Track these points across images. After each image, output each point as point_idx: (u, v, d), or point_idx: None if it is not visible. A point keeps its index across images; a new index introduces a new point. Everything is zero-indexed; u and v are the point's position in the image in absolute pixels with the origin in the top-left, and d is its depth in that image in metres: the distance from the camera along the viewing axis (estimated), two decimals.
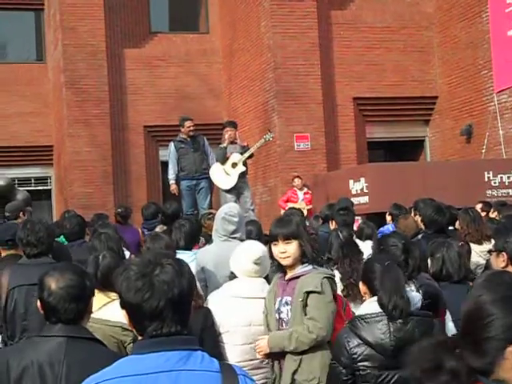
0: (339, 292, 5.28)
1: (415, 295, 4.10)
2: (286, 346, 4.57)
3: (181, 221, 7.02)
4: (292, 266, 4.71)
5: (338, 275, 6.08)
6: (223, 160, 12.77)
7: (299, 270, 4.67)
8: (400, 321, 3.91)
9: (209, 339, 4.69)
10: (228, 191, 12.78)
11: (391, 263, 4.03)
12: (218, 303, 4.92)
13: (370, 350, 3.93)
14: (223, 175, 12.74)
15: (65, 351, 3.33)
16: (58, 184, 19.56)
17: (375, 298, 4.01)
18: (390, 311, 3.90)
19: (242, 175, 12.78)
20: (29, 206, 10.35)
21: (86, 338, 3.44)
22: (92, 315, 4.34)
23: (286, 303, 4.64)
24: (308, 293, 4.55)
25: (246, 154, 12.76)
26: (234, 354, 4.83)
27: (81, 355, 3.33)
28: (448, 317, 4.87)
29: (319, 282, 4.54)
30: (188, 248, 6.63)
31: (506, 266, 4.15)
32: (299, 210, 12.77)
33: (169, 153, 13.24)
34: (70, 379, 3.27)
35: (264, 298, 4.89)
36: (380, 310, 3.92)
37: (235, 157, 12.69)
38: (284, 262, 4.73)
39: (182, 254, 6.41)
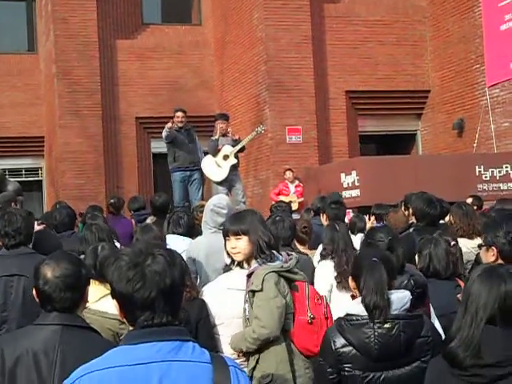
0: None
1: (404, 295, 4.03)
2: (241, 347, 4.58)
3: (179, 212, 7.09)
4: (248, 262, 4.73)
5: (331, 263, 6.14)
6: (215, 152, 12.77)
7: (252, 267, 4.68)
8: (386, 326, 3.88)
9: (203, 331, 4.68)
10: (219, 183, 12.78)
11: (376, 262, 4.01)
12: (214, 295, 4.91)
13: (355, 351, 3.91)
14: (215, 167, 12.75)
15: (60, 339, 3.34)
16: (49, 175, 19.51)
17: (360, 298, 4.01)
18: (371, 311, 3.89)
19: (234, 168, 12.78)
20: (20, 196, 10.33)
21: (81, 327, 3.44)
22: (90, 306, 4.36)
23: (247, 301, 4.65)
24: (252, 292, 4.55)
25: (238, 147, 12.77)
26: (227, 345, 4.83)
27: (75, 343, 3.34)
28: (432, 313, 4.86)
29: (260, 280, 4.51)
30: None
31: (496, 260, 4.15)
32: (289, 203, 12.81)
33: (166, 134, 12.91)
34: (64, 367, 3.26)
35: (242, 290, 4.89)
36: (366, 313, 3.92)
37: (227, 149, 12.68)
38: (236, 258, 4.77)
39: (179, 239, 6.52)
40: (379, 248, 4.83)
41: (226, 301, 4.83)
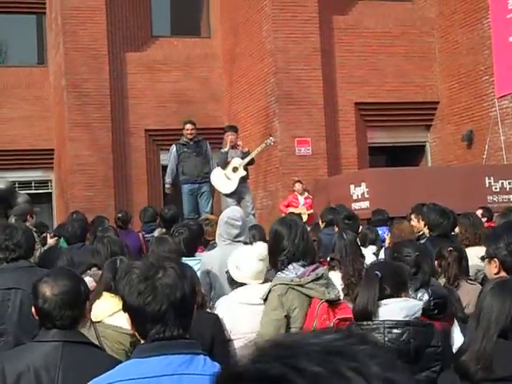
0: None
1: (414, 304, 4.05)
2: None
3: (179, 228, 7.00)
4: None
5: (339, 275, 6.10)
6: (224, 164, 12.79)
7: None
8: (395, 331, 3.89)
9: (218, 346, 4.67)
10: (229, 195, 12.80)
11: (377, 275, 4.00)
12: (227, 310, 4.91)
13: None
14: (224, 179, 12.76)
15: (61, 355, 3.32)
16: (58, 187, 19.55)
17: None
18: (355, 315, 3.94)
19: (243, 180, 12.79)
20: (36, 208, 10.40)
21: (82, 343, 3.43)
22: (104, 321, 4.35)
23: None
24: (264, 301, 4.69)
25: (247, 159, 12.78)
26: None
27: (77, 359, 3.32)
28: (455, 325, 4.84)
29: (267, 290, 4.63)
30: (189, 255, 6.63)
31: (499, 271, 4.10)
32: (299, 214, 12.79)
33: (169, 155, 13.26)
34: (66, 383, 3.26)
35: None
36: (378, 320, 3.92)
37: (236, 161, 12.70)
38: None
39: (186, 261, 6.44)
40: (391, 261, 4.81)
41: (240, 316, 4.84)
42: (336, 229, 8.85)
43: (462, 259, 6.04)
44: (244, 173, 12.72)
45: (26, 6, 19.92)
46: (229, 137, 13.03)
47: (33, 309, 3.54)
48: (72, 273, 3.71)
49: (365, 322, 3.94)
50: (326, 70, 17.62)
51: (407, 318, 3.94)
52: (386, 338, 3.86)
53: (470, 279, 6.08)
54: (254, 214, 12.87)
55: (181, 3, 20.63)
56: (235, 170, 12.67)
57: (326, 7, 17.76)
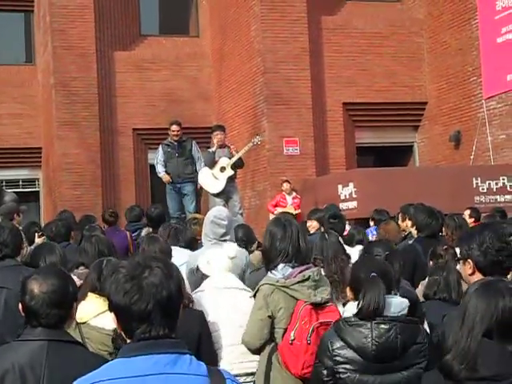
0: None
1: (402, 301, 4.11)
2: None
3: (168, 222, 7.11)
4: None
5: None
6: (211, 164, 12.78)
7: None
8: (383, 326, 3.93)
9: (205, 342, 4.71)
10: (217, 195, 12.80)
11: (375, 276, 4.05)
12: (202, 298, 5.00)
13: (353, 353, 3.96)
14: (211, 179, 12.76)
15: (46, 354, 3.30)
16: (46, 186, 19.50)
17: (356, 302, 4.07)
18: (363, 315, 3.97)
19: (231, 179, 12.79)
20: (23, 206, 10.36)
21: (68, 342, 3.41)
22: (89, 322, 4.35)
23: None
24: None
25: (234, 158, 12.77)
26: (227, 337, 4.92)
27: (62, 358, 3.30)
28: (425, 325, 4.87)
29: (256, 289, 4.70)
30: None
31: (473, 272, 4.09)
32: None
33: (157, 156, 13.28)
34: (52, 382, 3.24)
35: (240, 289, 5.10)
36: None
37: (223, 161, 12.69)
38: None
39: (181, 251, 6.54)
40: (377, 260, 4.83)
41: (215, 299, 4.99)
42: (322, 229, 8.88)
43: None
44: (231, 172, 12.72)
45: (13, 4, 19.86)
46: (217, 136, 13.02)
47: (20, 305, 3.51)
48: (62, 272, 3.69)
49: (352, 318, 3.99)
50: (315, 70, 17.63)
51: (395, 314, 3.97)
52: (374, 334, 3.91)
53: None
54: (241, 214, 12.88)
55: (169, 2, 20.60)
56: (223, 169, 12.67)
57: (314, 7, 17.78)
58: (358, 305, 4.01)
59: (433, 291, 5.39)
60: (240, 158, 12.85)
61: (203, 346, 4.62)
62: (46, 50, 18.71)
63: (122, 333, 2.64)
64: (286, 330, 4.56)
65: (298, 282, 4.63)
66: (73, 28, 18.07)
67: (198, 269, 5.39)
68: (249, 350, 4.71)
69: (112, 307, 2.61)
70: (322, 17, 18.25)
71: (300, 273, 4.68)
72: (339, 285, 5.60)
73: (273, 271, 4.71)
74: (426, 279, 5.60)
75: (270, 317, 4.57)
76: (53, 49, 18.09)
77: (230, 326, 4.91)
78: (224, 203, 12.55)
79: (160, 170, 13.14)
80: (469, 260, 4.10)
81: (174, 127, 13.05)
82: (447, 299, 5.33)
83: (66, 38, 18.06)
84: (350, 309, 4.15)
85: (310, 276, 4.69)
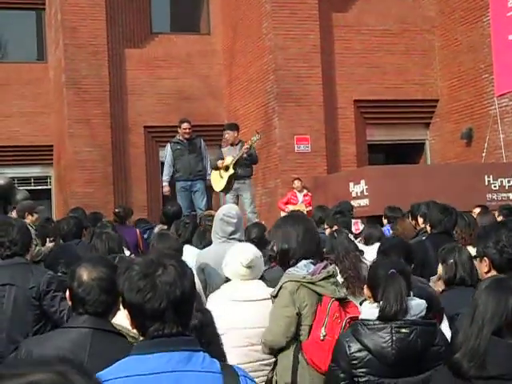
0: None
1: (420, 302, 4.06)
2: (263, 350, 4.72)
3: (185, 219, 7.12)
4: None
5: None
6: (215, 165, 12.77)
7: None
8: (404, 330, 3.89)
9: (212, 339, 4.69)
10: (226, 193, 12.79)
11: (394, 273, 4.01)
12: (214, 306, 4.93)
13: (371, 356, 3.90)
14: (217, 177, 12.78)
15: (90, 342, 3.34)
16: (57, 184, 19.55)
17: (377, 303, 4.01)
18: (384, 317, 3.91)
19: (241, 177, 12.70)
20: (41, 206, 10.37)
21: (111, 331, 3.45)
22: None
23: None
24: (274, 297, 4.65)
25: (235, 158, 12.60)
26: (231, 355, 4.84)
27: (105, 347, 3.32)
28: (445, 322, 4.85)
29: (278, 287, 4.58)
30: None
31: (489, 270, 4.10)
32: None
33: (165, 154, 13.28)
34: (93, 370, 3.27)
35: (260, 300, 4.93)
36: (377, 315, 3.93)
37: (228, 160, 12.66)
38: None
39: (191, 249, 6.51)
40: (395, 258, 4.82)
41: (226, 312, 4.86)
42: (326, 226, 8.88)
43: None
44: (232, 171, 12.60)
45: (25, 2, 19.91)
46: (225, 135, 13.04)
47: (67, 292, 3.56)
48: (109, 261, 3.77)
49: (371, 322, 3.94)
50: (326, 68, 17.61)
51: (414, 317, 3.95)
52: (394, 338, 3.87)
53: None
54: (254, 212, 12.77)
55: (180, 0, 20.62)
56: (227, 168, 12.64)
57: (325, 4, 17.76)
58: (380, 305, 3.95)
59: (453, 273, 5.37)
60: (251, 155, 12.75)
61: (212, 345, 4.60)
62: (58, 48, 18.75)
63: (135, 330, 2.65)
64: (311, 326, 4.53)
65: (324, 278, 4.61)
66: (84, 26, 18.12)
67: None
68: (270, 349, 4.60)
69: (125, 305, 2.62)
70: (333, 14, 18.22)
71: (323, 269, 4.67)
72: (355, 280, 5.60)
73: (295, 268, 4.64)
74: (435, 276, 5.59)
75: (297, 314, 4.51)
76: (64, 46, 18.14)
77: (239, 328, 4.87)
78: (234, 201, 12.54)
79: (165, 175, 13.13)
80: (485, 258, 4.10)
81: (186, 125, 13.05)
82: (467, 281, 5.32)
83: (78, 35, 18.11)
84: (366, 309, 4.09)
85: (333, 272, 4.71)
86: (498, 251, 4.07)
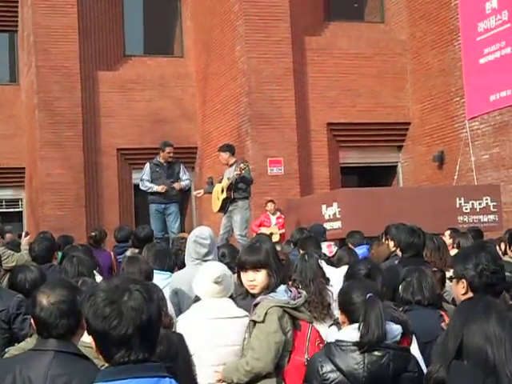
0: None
1: (396, 327, 4.06)
2: (233, 378, 4.52)
3: (153, 242, 7.06)
4: (258, 294, 4.63)
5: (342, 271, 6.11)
6: (209, 191, 12.97)
7: (258, 298, 4.59)
8: (377, 353, 3.88)
9: (182, 365, 4.64)
10: (224, 215, 12.81)
11: (373, 296, 4.00)
12: (185, 326, 4.90)
13: (343, 377, 3.89)
14: (216, 198, 12.87)
15: (50, 364, 3.34)
16: (29, 206, 19.41)
17: (355, 325, 3.97)
18: (367, 343, 3.88)
19: (234, 200, 12.69)
20: (8, 226, 10.36)
21: (73, 354, 3.43)
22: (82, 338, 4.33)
23: (247, 330, 4.59)
24: (254, 322, 4.48)
25: (228, 182, 12.60)
26: (203, 375, 4.79)
27: (66, 370, 3.33)
28: (414, 345, 4.84)
29: (264, 312, 4.43)
30: (162, 268, 6.66)
31: (466, 292, 4.11)
32: (270, 234, 12.78)
33: (143, 173, 13.25)
34: None
35: (232, 318, 4.88)
36: (357, 340, 3.90)
37: (224, 182, 12.69)
38: (252, 291, 4.65)
39: (157, 275, 6.43)
40: (366, 281, 4.81)
41: (197, 331, 4.82)
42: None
43: (445, 280, 6.05)
44: (224, 195, 12.62)
45: None
46: (219, 157, 13.19)
47: (31, 319, 3.59)
48: (69, 283, 3.77)
49: (344, 343, 3.92)
50: (299, 90, 17.68)
51: (388, 341, 3.94)
52: (366, 360, 3.86)
53: (447, 301, 6.09)
54: (243, 235, 12.64)
55: (154, 22, 20.67)
56: (223, 191, 12.68)
57: (298, 28, 17.86)
58: (360, 330, 3.90)
59: (409, 293, 5.40)
60: (244, 177, 12.69)
61: (181, 369, 4.54)
62: (30, 70, 18.68)
63: (100, 356, 2.61)
64: (291, 352, 4.46)
65: (303, 304, 4.60)
66: (57, 48, 18.06)
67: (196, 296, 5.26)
68: (255, 376, 4.43)
69: (90, 331, 2.59)
70: (306, 37, 18.32)
71: (298, 294, 4.64)
72: (318, 305, 5.62)
73: (275, 293, 4.56)
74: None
75: (284, 340, 4.43)
76: (37, 68, 18.07)
77: (212, 347, 4.84)
78: (228, 223, 12.67)
79: (149, 185, 13.08)
80: (463, 280, 4.11)
81: (170, 149, 13.13)
82: (422, 302, 5.34)
83: (50, 57, 18.04)
84: (344, 333, 4.05)
85: (306, 298, 4.71)
86: (477, 274, 4.08)
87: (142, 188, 13.28)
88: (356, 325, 3.97)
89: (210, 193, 13.11)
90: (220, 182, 12.83)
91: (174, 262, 7.15)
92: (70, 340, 3.48)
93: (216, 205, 12.90)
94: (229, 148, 13.16)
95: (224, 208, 12.71)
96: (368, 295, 3.99)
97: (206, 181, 14.12)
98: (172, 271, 6.92)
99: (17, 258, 8.43)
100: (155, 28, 20.74)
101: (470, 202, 14.22)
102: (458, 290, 4.18)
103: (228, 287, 5.14)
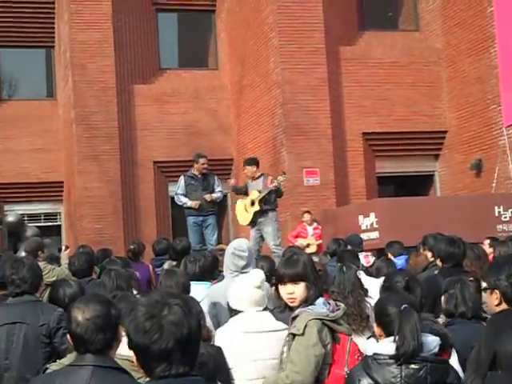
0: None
1: (433, 339, 4.02)
2: None
3: (196, 255, 7.06)
4: (297, 307, 4.59)
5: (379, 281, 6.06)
6: (242, 195, 12.94)
7: (297, 311, 4.55)
8: (414, 366, 3.84)
9: (222, 380, 4.62)
10: (252, 227, 12.80)
11: (408, 308, 3.97)
12: (224, 339, 4.88)
13: None
14: (243, 211, 12.84)
15: (89, 380, 3.33)
16: (67, 220, 19.57)
17: (391, 338, 3.95)
18: (402, 354, 3.85)
19: (264, 211, 12.70)
20: (47, 240, 10.45)
21: (111, 368, 3.43)
22: (119, 351, 4.34)
23: (285, 343, 4.55)
24: (293, 335, 4.45)
25: (262, 195, 12.63)
26: None
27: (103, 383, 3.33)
28: (454, 358, 4.78)
29: (303, 325, 4.40)
30: (203, 279, 6.68)
31: (500, 303, 4.05)
32: (306, 245, 12.79)
33: (178, 186, 13.29)
34: None
35: (267, 332, 4.86)
36: (393, 353, 3.87)
37: (254, 194, 12.71)
38: (291, 304, 4.61)
39: (197, 285, 6.44)
40: (402, 293, 4.77)
41: (237, 345, 4.80)
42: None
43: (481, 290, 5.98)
44: (257, 208, 12.64)
45: (35, 40, 20.08)
46: (244, 171, 13.19)
47: (68, 335, 3.60)
48: (103, 297, 3.77)
49: (381, 356, 3.89)
50: (334, 101, 17.67)
51: (425, 354, 3.90)
52: (403, 374, 3.83)
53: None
54: (277, 245, 12.62)
55: (188, 35, 20.78)
56: (253, 203, 12.68)
57: (332, 38, 17.86)
58: (395, 342, 3.88)
59: (452, 305, 5.34)
60: (277, 189, 12.73)
61: (221, 383, 4.54)
62: (67, 85, 18.88)
63: (142, 370, 2.62)
64: (331, 365, 4.42)
65: (341, 316, 4.58)
66: (93, 63, 18.24)
67: (229, 307, 5.23)
68: None
69: (131, 346, 2.60)
70: (340, 47, 18.32)
71: (337, 306, 4.61)
72: (357, 318, 5.59)
73: (314, 305, 4.53)
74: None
75: (323, 353, 4.40)
76: (73, 83, 18.26)
77: (247, 361, 4.81)
78: (258, 235, 12.63)
79: (183, 200, 13.12)
80: (496, 290, 4.05)
81: (204, 160, 13.13)
82: (465, 314, 5.28)
83: (86, 72, 18.22)
84: (380, 346, 4.03)
85: (345, 310, 4.68)
86: (510, 285, 4.02)
87: (178, 202, 13.34)
88: (392, 338, 3.95)
89: (240, 194, 13.13)
90: (244, 194, 12.83)
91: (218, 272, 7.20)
92: (108, 354, 3.48)
93: (244, 218, 12.85)
94: (255, 161, 13.23)
95: (254, 221, 12.72)
96: (403, 307, 3.97)
97: (231, 188, 14.16)
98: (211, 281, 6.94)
99: (57, 273, 8.51)
100: (190, 41, 20.86)
101: (509, 211, 14.10)
102: (491, 302, 4.12)
103: (265, 296, 5.14)
